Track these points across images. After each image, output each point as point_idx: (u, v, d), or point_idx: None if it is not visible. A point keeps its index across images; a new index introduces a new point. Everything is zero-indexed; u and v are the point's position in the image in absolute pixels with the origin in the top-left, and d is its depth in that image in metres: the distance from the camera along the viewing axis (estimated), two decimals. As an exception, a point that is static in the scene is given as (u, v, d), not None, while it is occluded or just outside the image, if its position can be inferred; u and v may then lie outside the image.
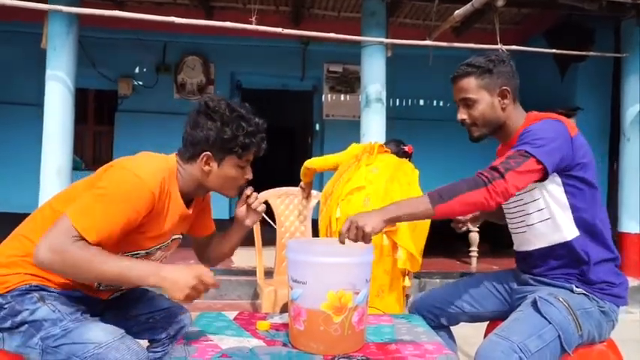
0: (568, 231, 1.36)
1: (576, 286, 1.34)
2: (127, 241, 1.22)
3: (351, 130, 5.49)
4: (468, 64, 1.40)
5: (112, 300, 1.27)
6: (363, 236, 1.16)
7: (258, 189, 1.50)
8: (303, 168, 2.55)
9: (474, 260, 4.12)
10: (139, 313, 1.42)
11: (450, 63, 5.70)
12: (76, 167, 3.75)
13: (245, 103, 1.32)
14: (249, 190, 1.42)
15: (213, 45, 5.55)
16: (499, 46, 3.44)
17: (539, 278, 1.43)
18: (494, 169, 1.22)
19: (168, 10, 4.83)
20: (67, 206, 1.16)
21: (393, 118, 4.72)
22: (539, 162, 1.23)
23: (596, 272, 1.34)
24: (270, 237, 2.71)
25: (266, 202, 2.59)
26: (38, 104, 3.61)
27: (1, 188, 5.39)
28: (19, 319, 1.16)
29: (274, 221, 2.63)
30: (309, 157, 6.99)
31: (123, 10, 4.13)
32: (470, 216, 1.66)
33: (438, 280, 3.70)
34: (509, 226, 1.53)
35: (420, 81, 5.59)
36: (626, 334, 2.06)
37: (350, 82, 5.84)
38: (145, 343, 1.40)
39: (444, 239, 5.16)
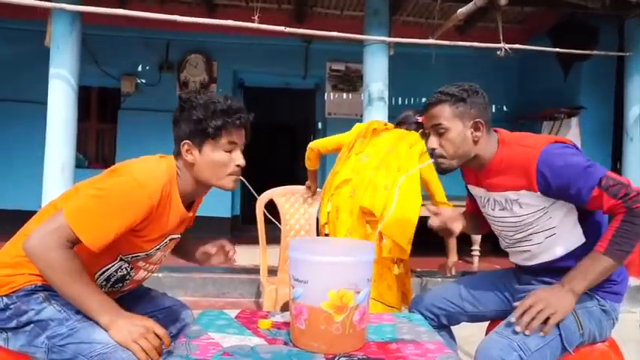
0: (575, 242, 1.36)
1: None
2: (127, 243, 1.23)
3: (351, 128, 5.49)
4: (441, 92, 1.38)
5: (115, 299, 1.27)
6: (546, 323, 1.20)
7: (261, 186, 1.50)
8: (307, 150, 2.47)
9: (475, 259, 4.12)
10: (141, 311, 1.42)
11: (452, 61, 5.73)
12: (79, 165, 3.77)
13: (225, 95, 1.31)
14: (230, 251, 1.47)
15: (216, 43, 5.56)
16: (502, 44, 3.43)
17: (541, 278, 1.43)
18: (630, 197, 1.18)
19: (171, 8, 4.83)
20: None
21: (396, 116, 4.72)
22: (612, 171, 1.25)
23: None
24: (273, 235, 2.72)
25: (271, 201, 2.61)
26: (42, 102, 3.62)
27: (5, 185, 5.42)
28: (24, 318, 1.17)
29: (279, 220, 2.64)
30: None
31: (126, 8, 4.13)
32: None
33: (439, 279, 3.70)
34: (505, 243, 1.52)
35: (423, 79, 5.56)
36: (627, 334, 2.06)
37: (352, 81, 5.83)
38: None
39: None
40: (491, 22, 4.74)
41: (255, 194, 1.49)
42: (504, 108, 5.83)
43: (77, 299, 1.13)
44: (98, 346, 1.10)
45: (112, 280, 1.30)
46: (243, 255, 4.25)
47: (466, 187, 1.61)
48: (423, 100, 5.75)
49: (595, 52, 4.02)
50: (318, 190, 2.70)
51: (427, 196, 2.33)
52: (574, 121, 4.68)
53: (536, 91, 5.62)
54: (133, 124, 5.58)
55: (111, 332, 1.12)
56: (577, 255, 1.34)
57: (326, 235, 2.18)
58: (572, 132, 4.63)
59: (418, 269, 3.96)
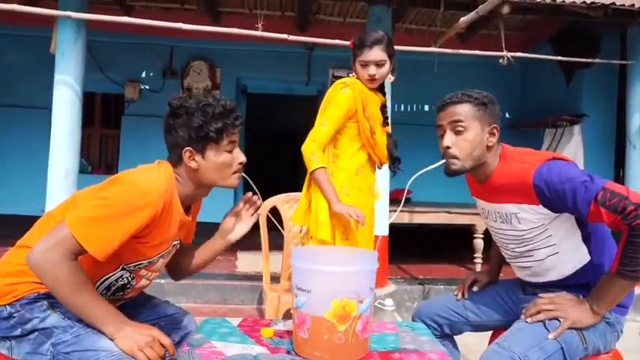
0: (581, 261, 1.36)
1: (583, 296, 1.33)
2: (130, 251, 1.24)
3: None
4: (464, 94, 1.38)
5: (118, 307, 1.28)
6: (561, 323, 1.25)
7: (263, 193, 1.50)
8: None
9: (478, 267, 4.10)
10: (144, 319, 1.43)
11: (454, 69, 5.76)
12: (82, 170, 3.78)
13: (211, 95, 1.31)
14: (255, 197, 1.40)
15: (219, 50, 5.59)
16: (504, 53, 3.44)
17: (547, 289, 1.42)
18: (628, 212, 1.17)
19: (175, 15, 4.87)
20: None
21: (398, 123, 4.72)
22: (612, 182, 1.24)
23: None
24: (276, 242, 2.72)
25: (274, 208, 2.61)
26: (46, 107, 3.65)
27: (9, 190, 5.44)
28: (29, 326, 1.17)
29: (282, 227, 2.64)
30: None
31: (131, 15, 4.17)
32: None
33: (442, 287, 3.69)
34: (508, 256, 1.52)
35: (425, 86, 5.60)
36: (630, 343, 2.04)
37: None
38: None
39: (448, 245, 5.17)
40: (494, 29, 4.77)
41: (257, 192, 1.50)
42: (506, 115, 5.84)
43: (82, 310, 1.13)
44: (103, 354, 1.10)
45: (113, 288, 1.31)
46: (245, 262, 4.26)
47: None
48: (426, 107, 5.78)
49: (597, 60, 4.02)
50: None
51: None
52: (576, 128, 4.68)
53: (538, 99, 5.63)
54: (136, 130, 5.61)
55: (117, 341, 1.12)
56: (584, 273, 1.35)
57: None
58: (575, 140, 4.63)
59: (421, 276, 3.96)
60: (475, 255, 4.06)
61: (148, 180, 1.20)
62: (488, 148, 1.38)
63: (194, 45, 5.46)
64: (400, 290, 3.63)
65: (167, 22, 3.10)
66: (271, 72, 5.83)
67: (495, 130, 1.38)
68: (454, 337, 1.64)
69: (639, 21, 3.73)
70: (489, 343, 1.48)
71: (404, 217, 3.95)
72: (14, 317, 1.17)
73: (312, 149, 1.97)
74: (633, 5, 3.52)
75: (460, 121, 1.36)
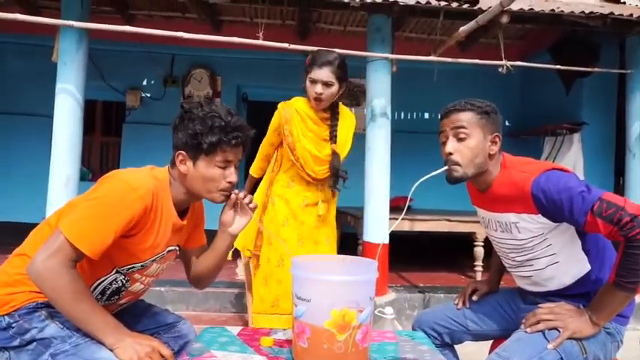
0: (582, 271, 1.36)
1: (583, 305, 1.34)
2: (122, 253, 1.24)
3: (355, 142, 5.49)
4: (467, 102, 1.40)
5: (117, 316, 1.28)
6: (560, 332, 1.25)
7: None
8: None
9: (478, 275, 4.09)
10: (143, 328, 1.43)
11: (454, 77, 5.78)
12: (83, 178, 3.79)
13: (228, 108, 1.29)
14: (241, 194, 1.35)
15: (220, 58, 5.62)
16: (504, 62, 3.45)
17: (548, 298, 1.42)
18: (624, 223, 1.17)
19: (176, 23, 4.90)
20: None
21: (398, 131, 4.74)
22: (609, 193, 1.24)
23: None
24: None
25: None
26: (48, 115, 3.66)
27: (10, 198, 5.45)
28: (27, 337, 1.17)
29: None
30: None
31: (132, 24, 4.20)
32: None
33: (442, 295, 3.68)
34: (508, 265, 1.53)
35: (425, 95, 5.62)
36: (630, 352, 2.03)
37: (355, 95, 5.87)
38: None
39: (448, 253, 5.16)
40: (493, 38, 4.79)
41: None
42: (506, 123, 5.85)
43: (82, 320, 1.13)
44: None
45: (108, 292, 1.30)
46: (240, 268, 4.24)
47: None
48: (426, 115, 5.79)
49: (596, 69, 4.04)
50: None
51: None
52: (576, 137, 4.69)
53: (537, 107, 5.64)
54: (137, 138, 5.63)
55: (117, 351, 1.12)
56: (585, 283, 1.35)
57: None
58: (575, 148, 4.64)
59: (421, 285, 3.95)
60: (475, 263, 4.05)
61: (136, 177, 1.22)
62: (490, 156, 1.39)
63: (195, 53, 5.49)
64: (400, 298, 3.62)
65: (168, 30, 3.12)
66: (272, 80, 5.85)
67: (497, 139, 1.39)
68: (454, 346, 1.63)
69: (638, 30, 3.76)
70: (489, 353, 1.48)
71: (404, 225, 3.94)
72: (13, 327, 1.17)
73: (256, 161, 2.37)
74: (632, 15, 3.54)
75: (463, 127, 1.37)
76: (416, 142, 5.59)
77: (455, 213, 4.28)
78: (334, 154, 2.19)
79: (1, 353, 1.19)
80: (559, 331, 1.26)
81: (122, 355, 1.11)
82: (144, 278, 1.36)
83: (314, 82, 2.10)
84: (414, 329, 1.63)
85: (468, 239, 4.06)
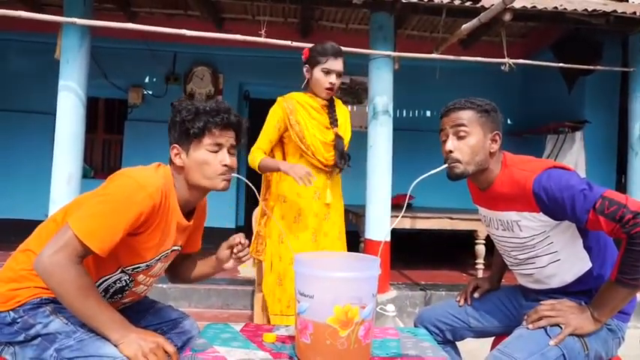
0: (583, 268, 1.37)
1: (585, 302, 1.34)
2: (128, 252, 1.24)
3: (357, 140, 5.50)
4: (467, 100, 1.40)
5: (121, 311, 1.29)
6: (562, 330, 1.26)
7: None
8: None
9: (480, 272, 4.10)
10: (147, 324, 1.43)
11: (456, 75, 5.77)
12: (84, 175, 3.80)
13: (218, 101, 1.32)
14: (239, 238, 1.40)
15: (222, 56, 5.62)
16: (506, 59, 3.45)
17: (550, 295, 1.43)
18: (626, 220, 1.17)
19: (179, 21, 4.91)
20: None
21: (400, 129, 4.74)
22: (611, 191, 1.24)
23: None
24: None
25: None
26: (51, 113, 3.67)
27: (13, 195, 5.47)
28: (32, 332, 1.18)
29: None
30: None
31: (135, 22, 4.21)
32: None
33: (443, 293, 3.68)
34: (510, 263, 1.53)
35: (427, 92, 5.62)
36: (632, 350, 2.04)
37: (357, 93, 5.87)
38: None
39: (449, 251, 5.17)
40: (496, 35, 4.79)
41: (257, 195, 1.53)
42: (508, 121, 5.85)
43: (88, 315, 1.14)
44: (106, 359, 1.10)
45: (111, 290, 1.31)
46: (248, 267, 4.26)
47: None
48: (428, 113, 5.78)
49: (599, 67, 4.03)
50: None
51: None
52: (578, 135, 4.69)
53: (540, 105, 5.64)
54: (139, 135, 5.64)
55: (121, 347, 1.12)
56: (586, 280, 1.35)
57: None
58: (577, 146, 4.63)
59: (422, 282, 3.95)
60: (477, 261, 4.06)
61: (145, 175, 1.22)
62: (491, 154, 1.39)
63: (197, 51, 5.50)
64: (402, 296, 3.63)
65: (170, 28, 3.13)
66: (274, 78, 5.85)
67: (497, 137, 1.40)
68: (456, 342, 1.64)
69: (641, 28, 3.75)
70: (491, 349, 1.48)
71: (406, 223, 3.95)
72: (18, 323, 1.18)
73: (250, 157, 2.16)
74: (635, 13, 3.54)
75: (463, 125, 1.37)
76: (418, 139, 5.59)
77: (456, 211, 4.28)
78: (337, 136, 2.19)
79: (6, 348, 1.20)
80: (561, 328, 1.26)
81: (126, 350, 1.12)
82: (147, 279, 1.37)
83: (329, 72, 2.09)
84: (415, 326, 1.64)
85: (470, 237, 4.07)
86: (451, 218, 4.02)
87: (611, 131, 4.83)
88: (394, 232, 3.55)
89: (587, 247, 1.36)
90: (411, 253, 5.01)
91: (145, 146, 5.44)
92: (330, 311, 1.09)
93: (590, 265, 1.36)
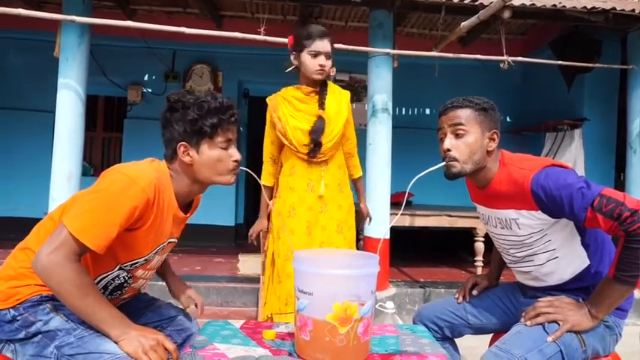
0: (581, 265, 1.37)
1: (583, 299, 1.35)
2: (125, 249, 1.25)
3: (357, 138, 5.51)
4: (465, 99, 1.41)
5: (121, 309, 1.31)
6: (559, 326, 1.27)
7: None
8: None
9: (479, 270, 4.11)
10: (147, 321, 1.44)
11: (455, 73, 5.77)
12: (84, 173, 3.80)
13: (210, 93, 1.32)
14: (193, 310, 1.47)
15: (221, 53, 5.62)
16: (505, 57, 3.45)
17: (547, 292, 1.43)
18: (624, 218, 1.17)
19: (178, 19, 4.91)
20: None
21: (399, 127, 4.75)
22: (609, 189, 1.24)
23: None
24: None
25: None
26: (50, 111, 3.67)
27: (12, 193, 5.46)
28: (32, 329, 1.18)
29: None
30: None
31: (134, 19, 4.20)
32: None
33: (442, 290, 3.69)
34: (508, 260, 1.54)
35: (426, 90, 5.62)
36: (630, 347, 2.05)
37: (356, 91, 5.87)
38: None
39: (448, 248, 5.18)
40: (495, 33, 4.79)
41: (258, 179, 1.56)
42: (507, 119, 5.85)
43: (88, 313, 1.14)
44: (107, 357, 1.11)
45: (110, 287, 1.31)
46: (247, 264, 4.27)
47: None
48: (427, 111, 5.77)
49: (598, 64, 4.03)
50: None
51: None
52: (577, 133, 4.69)
53: (539, 103, 5.64)
54: (138, 133, 5.63)
55: (121, 343, 1.13)
56: (584, 277, 1.36)
57: None
58: (575, 144, 4.64)
59: (421, 279, 3.96)
60: (476, 258, 4.07)
61: (138, 170, 1.22)
62: (489, 153, 1.39)
63: (196, 48, 5.49)
64: (401, 293, 3.64)
65: (170, 26, 3.13)
66: (273, 75, 5.79)
67: (495, 136, 1.40)
68: (455, 339, 1.65)
69: (640, 26, 3.75)
70: (489, 346, 1.49)
71: (405, 221, 3.96)
72: (18, 320, 1.18)
73: (264, 166, 2.31)
74: (634, 10, 3.54)
75: (461, 124, 1.38)
76: (417, 137, 5.58)
77: (455, 208, 4.29)
78: (319, 119, 2.13)
79: (6, 346, 1.20)
80: (558, 324, 1.27)
81: (127, 347, 1.12)
82: (146, 272, 1.37)
83: (316, 54, 2.06)
84: (414, 323, 1.65)
85: (469, 234, 4.08)
86: (450, 216, 4.02)
87: (609, 129, 4.83)
88: (393, 230, 3.55)
89: (585, 245, 1.37)
90: (410, 250, 5.02)
91: (145, 144, 5.41)
92: (329, 308, 1.10)
93: (588, 262, 1.37)
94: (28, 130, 5.50)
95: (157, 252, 1.34)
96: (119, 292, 1.35)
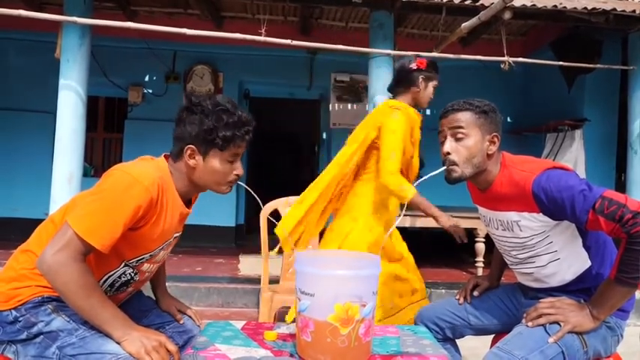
0: (582, 267, 1.37)
1: (584, 300, 1.35)
2: (131, 246, 1.25)
3: (357, 139, 5.51)
4: (465, 102, 1.40)
5: (123, 310, 1.30)
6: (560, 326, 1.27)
7: (265, 196, 1.51)
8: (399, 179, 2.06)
9: (479, 270, 4.11)
10: (149, 323, 1.44)
11: (456, 73, 5.78)
12: (85, 174, 3.81)
13: (230, 101, 1.30)
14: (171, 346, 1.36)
15: (222, 54, 5.62)
16: (506, 58, 3.45)
17: (549, 293, 1.43)
18: (626, 220, 1.17)
19: (179, 20, 4.91)
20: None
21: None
22: (610, 191, 1.24)
23: None
24: (276, 244, 2.73)
25: (275, 211, 2.64)
26: (51, 112, 3.68)
27: (13, 194, 5.47)
28: (34, 330, 1.18)
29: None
30: (316, 166, 6.88)
31: (135, 21, 4.20)
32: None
33: (443, 291, 3.69)
34: (510, 262, 1.53)
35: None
36: (631, 347, 2.05)
37: (357, 92, 5.87)
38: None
39: (449, 249, 5.17)
40: (496, 34, 4.80)
41: (261, 204, 1.53)
42: (508, 120, 5.84)
43: (91, 313, 1.14)
44: (108, 357, 1.11)
45: (117, 285, 1.32)
46: (247, 265, 4.27)
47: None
48: (427, 111, 5.77)
49: (599, 65, 4.04)
50: None
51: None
52: (578, 133, 4.69)
53: (539, 104, 5.64)
54: (139, 134, 5.63)
55: (124, 344, 1.13)
56: (586, 279, 1.36)
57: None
58: (576, 144, 4.64)
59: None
60: (476, 259, 4.06)
61: (140, 169, 1.22)
62: (489, 156, 1.39)
63: (197, 49, 5.49)
64: (402, 294, 3.63)
65: (170, 27, 3.13)
66: (273, 76, 5.85)
67: (496, 139, 1.40)
68: (456, 340, 1.65)
69: (640, 26, 3.75)
70: (491, 347, 1.49)
71: (405, 221, 3.96)
72: (20, 321, 1.18)
73: (397, 181, 2.02)
74: (634, 11, 3.54)
75: (461, 127, 1.38)
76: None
77: (456, 209, 4.28)
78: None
79: (8, 347, 1.20)
80: (560, 325, 1.27)
81: (129, 347, 1.12)
82: (151, 266, 1.38)
83: (434, 88, 2.27)
84: (415, 323, 1.65)
85: (469, 235, 4.06)
86: (451, 217, 4.02)
87: (610, 129, 4.83)
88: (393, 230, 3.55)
89: (587, 246, 1.37)
90: (411, 251, 5.00)
91: (146, 145, 5.41)
92: (330, 309, 1.10)
93: (589, 263, 1.36)
94: (28, 131, 5.50)
95: (162, 248, 1.35)
96: (124, 288, 1.35)
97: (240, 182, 1.39)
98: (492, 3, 3.12)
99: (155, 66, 5.65)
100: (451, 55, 3.65)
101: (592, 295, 1.32)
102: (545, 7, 3.46)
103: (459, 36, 3.62)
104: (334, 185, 2.16)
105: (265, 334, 1.30)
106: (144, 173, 1.20)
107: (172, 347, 1.17)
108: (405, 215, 3.89)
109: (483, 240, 3.96)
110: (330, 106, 5.88)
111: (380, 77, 3.60)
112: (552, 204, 1.26)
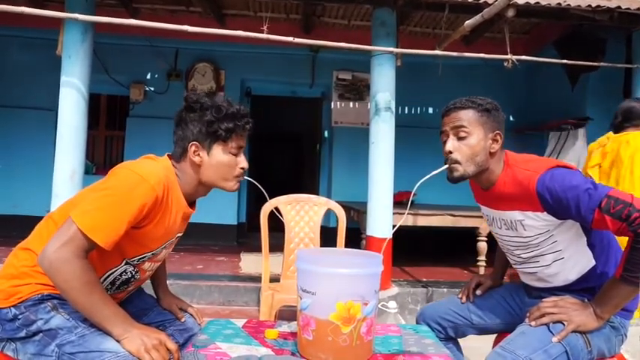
0: (586, 266, 1.36)
1: (588, 299, 1.34)
2: (134, 245, 1.25)
3: (359, 137, 5.51)
4: (468, 100, 1.39)
5: (124, 307, 1.29)
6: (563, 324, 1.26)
7: (267, 193, 1.51)
8: None
9: (482, 269, 4.10)
10: (150, 321, 1.44)
11: (459, 72, 5.76)
12: (86, 171, 3.80)
13: (226, 99, 1.33)
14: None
15: (224, 52, 5.62)
16: (509, 56, 3.43)
17: (552, 292, 1.42)
18: (633, 219, 1.16)
19: (181, 17, 4.90)
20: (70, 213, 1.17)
21: (402, 126, 4.73)
22: (616, 189, 1.23)
23: None
24: (278, 243, 2.73)
25: (276, 209, 2.63)
26: (52, 109, 3.67)
27: (15, 191, 5.48)
28: (33, 328, 1.17)
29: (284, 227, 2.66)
30: (318, 164, 6.87)
31: (137, 18, 4.19)
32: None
33: (445, 290, 3.68)
34: (514, 262, 1.52)
35: (430, 89, 5.60)
36: (636, 347, 2.04)
37: (359, 90, 5.86)
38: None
39: (451, 248, 5.16)
40: (499, 32, 4.77)
41: (267, 196, 1.53)
42: (511, 118, 5.82)
43: (91, 311, 1.13)
44: (108, 355, 1.10)
45: (117, 283, 1.31)
46: (248, 263, 4.27)
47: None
48: (430, 110, 5.76)
49: (602, 64, 4.01)
50: (321, 199, 2.71)
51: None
52: (581, 132, 4.67)
53: (542, 102, 5.62)
54: (141, 132, 5.63)
55: (124, 342, 1.13)
56: (590, 278, 1.35)
57: None
58: (579, 143, 4.62)
59: (424, 279, 3.95)
60: (479, 258, 4.06)
61: (147, 167, 1.22)
62: (491, 154, 1.38)
63: (199, 47, 5.49)
64: (403, 293, 3.63)
65: (172, 24, 3.12)
66: (275, 74, 5.84)
67: (499, 137, 1.39)
68: (458, 339, 1.64)
69: (645, 25, 3.73)
70: (493, 347, 1.48)
71: (408, 220, 3.95)
72: (19, 319, 1.18)
73: None
74: (639, 9, 3.51)
75: (463, 126, 1.37)
76: (420, 136, 5.57)
77: (458, 208, 4.28)
78: None
79: (7, 344, 1.20)
80: (563, 325, 1.26)
81: (129, 345, 1.12)
82: (152, 264, 1.38)
83: None
84: (417, 323, 1.64)
85: (471, 234, 4.06)
86: (453, 215, 4.01)
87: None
88: (396, 229, 3.54)
89: (591, 245, 1.36)
90: (412, 250, 5.01)
91: (147, 142, 5.40)
92: (332, 308, 1.09)
93: (593, 262, 1.35)
94: (30, 128, 5.51)
95: (164, 247, 1.35)
96: (125, 286, 1.35)
97: (245, 177, 1.40)
98: (496, 0, 3.10)
99: (157, 64, 5.65)
100: (454, 54, 3.63)
101: (589, 292, 1.32)
102: (549, 4, 3.44)
103: (462, 34, 3.59)
104: None
105: (266, 333, 1.30)
106: (150, 172, 1.20)
107: (172, 345, 1.17)
108: (407, 214, 3.88)
109: (485, 239, 3.95)
110: (332, 104, 5.87)
111: (382, 75, 3.58)
112: (557, 203, 1.25)
